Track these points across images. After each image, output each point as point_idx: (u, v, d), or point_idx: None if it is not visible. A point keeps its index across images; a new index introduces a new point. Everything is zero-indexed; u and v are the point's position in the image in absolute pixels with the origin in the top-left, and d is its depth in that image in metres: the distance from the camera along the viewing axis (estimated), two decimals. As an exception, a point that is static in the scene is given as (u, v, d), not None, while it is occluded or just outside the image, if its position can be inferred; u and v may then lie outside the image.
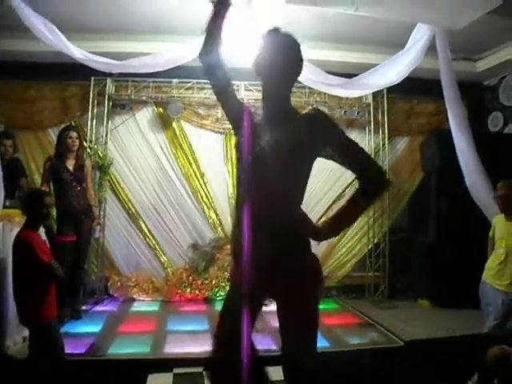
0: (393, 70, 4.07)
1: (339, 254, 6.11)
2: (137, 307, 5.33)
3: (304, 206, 5.51)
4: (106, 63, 3.93)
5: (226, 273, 5.59)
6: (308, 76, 4.20)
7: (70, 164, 4.58)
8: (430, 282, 5.37)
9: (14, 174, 4.68)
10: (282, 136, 1.79)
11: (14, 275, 2.98)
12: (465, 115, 3.90)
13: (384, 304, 5.40)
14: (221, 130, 5.81)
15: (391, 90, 5.24)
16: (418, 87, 5.61)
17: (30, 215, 3.00)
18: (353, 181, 6.04)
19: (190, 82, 5.64)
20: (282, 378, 2.36)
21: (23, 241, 2.89)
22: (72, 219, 4.54)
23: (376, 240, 5.88)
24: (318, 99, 5.79)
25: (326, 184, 6.04)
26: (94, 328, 4.32)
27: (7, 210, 3.77)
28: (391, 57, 4.20)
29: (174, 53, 4.02)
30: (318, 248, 6.49)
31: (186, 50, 3.96)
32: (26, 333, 3.59)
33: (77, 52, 3.68)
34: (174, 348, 3.85)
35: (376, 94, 5.80)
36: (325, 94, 5.68)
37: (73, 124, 5.38)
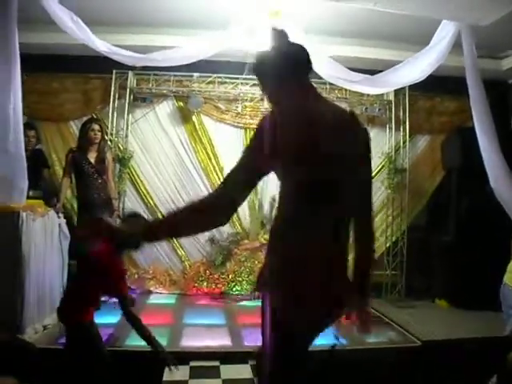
0: (416, 68, 4.01)
1: (357, 252, 6.06)
2: (154, 300, 5.38)
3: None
4: (130, 56, 3.95)
5: (242, 267, 5.60)
6: (329, 72, 4.17)
7: (92, 157, 4.63)
8: (448, 283, 5.31)
9: (37, 165, 4.76)
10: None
11: (78, 278, 2.97)
12: (489, 114, 3.81)
13: (401, 303, 5.36)
14: (240, 125, 5.80)
15: (413, 87, 5.16)
16: (441, 85, 5.53)
17: None
18: (371, 179, 6.02)
19: (210, 76, 5.65)
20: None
21: (111, 261, 2.72)
22: (92, 211, 4.58)
23: (394, 238, 5.82)
24: (338, 95, 5.76)
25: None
26: (112, 319, 4.36)
27: (30, 201, 3.83)
28: (415, 54, 4.14)
29: (196, 47, 4.02)
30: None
31: (208, 44, 3.96)
32: (47, 321, 3.67)
33: (101, 45, 3.71)
34: (191, 341, 3.87)
35: (398, 91, 5.73)
36: (346, 90, 5.64)
37: (95, 117, 5.43)
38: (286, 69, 1.67)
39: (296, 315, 1.52)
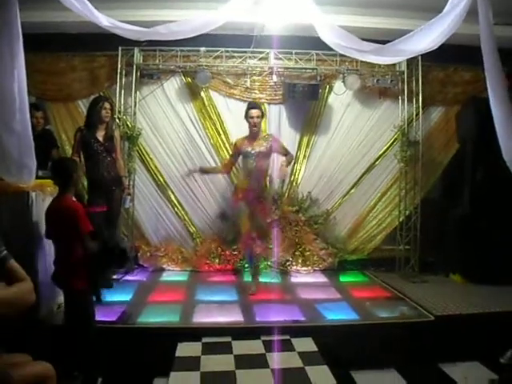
0: (430, 36, 3.84)
1: (369, 227, 6.02)
2: (166, 277, 5.41)
3: (332, 179, 5.53)
4: (133, 30, 3.85)
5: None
6: (339, 42, 4.03)
7: (100, 135, 4.60)
8: (462, 257, 5.24)
9: (46, 145, 4.76)
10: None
11: (55, 239, 3.11)
12: (505, 84, 3.67)
13: (414, 278, 5.31)
14: (250, 99, 5.70)
15: (426, 57, 4.98)
16: (455, 54, 5.33)
17: (62, 183, 3.07)
18: (383, 153, 5.93)
19: (218, 51, 5.53)
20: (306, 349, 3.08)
21: (66, 208, 2.97)
22: (102, 190, 4.60)
23: (407, 212, 5.74)
24: (349, 67, 5.61)
25: (354, 157, 5.93)
26: (124, 297, 4.41)
27: (40, 181, 3.82)
28: (427, 22, 3.98)
29: (201, 19, 3.90)
30: (346, 220, 6.46)
31: (213, 17, 3.85)
32: (61, 300, 3.70)
33: (104, 20, 3.61)
34: (203, 317, 3.90)
35: (410, 62, 5.56)
36: (356, 61, 5.51)
37: (103, 95, 5.38)
38: None
39: None
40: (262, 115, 4.76)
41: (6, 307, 1.64)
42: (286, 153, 4.83)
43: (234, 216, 5.35)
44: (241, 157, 4.79)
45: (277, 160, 5.34)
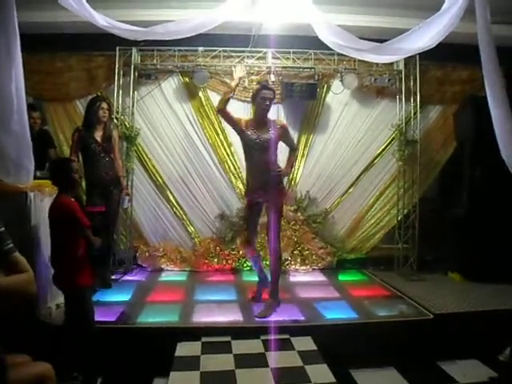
0: (428, 34, 3.84)
1: (367, 226, 6.03)
2: (165, 277, 5.41)
3: (330, 178, 5.53)
4: (131, 30, 3.84)
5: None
6: (337, 41, 4.03)
7: (98, 135, 4.60)
8: (461, 255, 5.24)
9: (44, 146, 4.77)
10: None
11: (53, 239, 3.11)
12: (502, 83, 3.67)
13: (413, 276, 5.32)
14: (248, 99, 5.68)
15: (424, 56, 5.01)
16: (453, 53, 5.34)
17: (60, 183, 3.09)
18: (381, 152, 5.94)
19: (215, 50, 5.53)
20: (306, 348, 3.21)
21: (64, 207, 2.99)
22: (101, 190, 4.60)
23: (406, 211, 5.75)
24: (347, 66, 5.62)
25: (353, 156, 5.94)
26: (123, 297, 4.41)
27: (38, 181, 3.82)
28: (425, 20, 3.99)
29: (199, 19, 3.90)
30: (345, 219, 6.44)
31: (211, 16, 3.85)
32: (60, 300, 3.70)
33: (101, 20, 3.61)
34: (202, 317, 3.90)
35: (408, 61, 5.57)
36: (354, 60, 5.52)
37: (100, 95, 5.37)
38: None
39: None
40: (274, 98, 4.15)
41: (4, 295, 1.64)
42: (292, 145, 4.32)
43: (239, 218, 5.38)
44: (243, 148, 4.16)
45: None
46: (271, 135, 4.03)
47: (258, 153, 4.02)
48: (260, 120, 4.08)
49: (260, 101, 4.01)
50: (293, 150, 4.35)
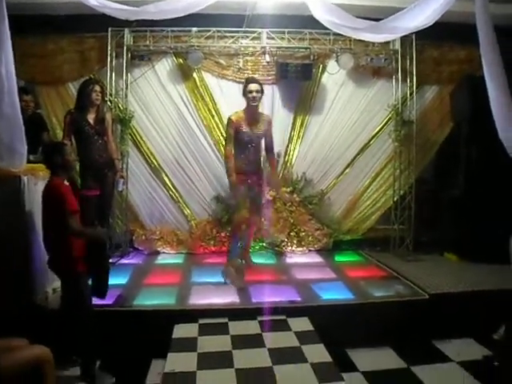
0: (424, 13, 3.79)
1: (363, 207, 6.03)
2: (161, 260, 5.42)
3: (326, 160, 5.50)
4: (122, 9, 3.77)
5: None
6: (333, 20, 3.97)
7: (91, 117, 4.55)
8: (457, 236, 5.27)
9: (36, 129, 4.70)
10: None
11: (44, 224, 3.11)
12: (500, 62, 3.63)
13: (409, 257, 5.34)
14: (242, 80, 5.60)
15: (420, 35, 4.92)
16: (450, 32, 5.26)
17: (53, 167, 3.05)
18: (377, 133, 5.91)
19: (209, 31, 5.43)
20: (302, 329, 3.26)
21: (52, 189, 2.98)
22: (95, 173, 4.57)
23: (402, 192, 5.74)
24: (342, 46, 5.54)
25: (349, 137, 5.91)
26: (120, 280, 4.41)
27: (31, 165, 3.79)
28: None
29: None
30: (341, 201, 6.45)
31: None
32: (56, 284, 3.70)
33: (91, -1, 3.55)
34: (199, 299, 3.91)
35: (404, 41, 5.50)
36: (350, 40, 5.44)
37: (93, 77, 5.29)
38: None
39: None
40: (262, 91, 4.43)
41: None
42: (271, 145, 4.68)
43: (232, 198, 5.34)
44: (235, 140, 4.43)
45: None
46: (263, 130, 4.49)
47: (250, 145, 4.45)
48: (251, 115, 4.45)
49: (248, 95, 4.36)
50: (271, 151, 4.71)
